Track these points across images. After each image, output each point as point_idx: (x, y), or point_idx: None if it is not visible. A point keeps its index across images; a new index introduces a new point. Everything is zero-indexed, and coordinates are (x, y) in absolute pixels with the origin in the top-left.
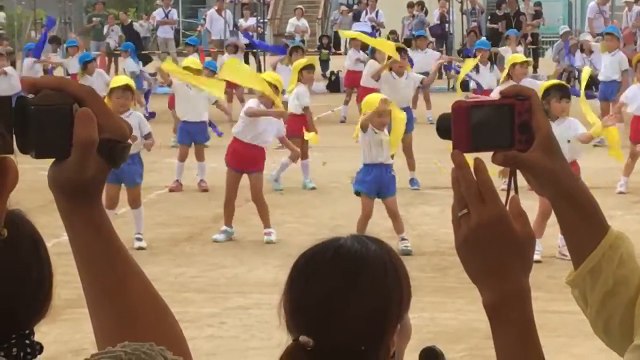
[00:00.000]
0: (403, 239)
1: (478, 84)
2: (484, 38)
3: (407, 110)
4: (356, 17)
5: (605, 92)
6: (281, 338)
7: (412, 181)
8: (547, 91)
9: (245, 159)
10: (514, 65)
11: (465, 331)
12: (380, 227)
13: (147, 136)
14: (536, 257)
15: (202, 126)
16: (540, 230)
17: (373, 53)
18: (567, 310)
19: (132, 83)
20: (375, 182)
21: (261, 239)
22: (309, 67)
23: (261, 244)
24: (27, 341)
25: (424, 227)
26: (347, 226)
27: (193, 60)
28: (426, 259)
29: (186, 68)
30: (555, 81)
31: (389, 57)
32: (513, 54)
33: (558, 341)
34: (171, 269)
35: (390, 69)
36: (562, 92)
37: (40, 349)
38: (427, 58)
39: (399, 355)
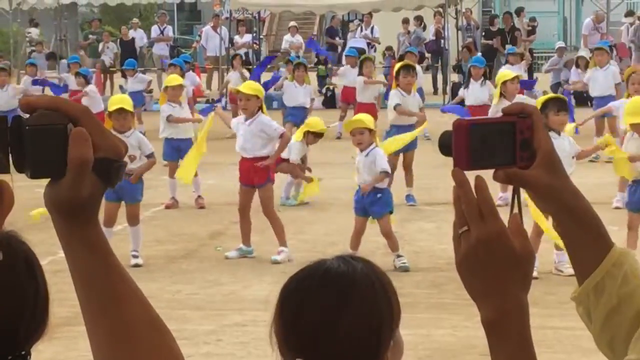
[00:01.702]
0: (399, 256)
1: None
2: (479, 54)
3: (412, 128)
4: (329, 33)
5: (600, 106)
6: (277, 357)
7: (408, 197)
8: (545, 104)
9: (249, 171)
10: (504, 82)
11: (461, 348)
12: (375, 244)
13: (149, 156)
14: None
15: (187, 142)
16: (535, 247)
17: (361, 69)
18: (564, 327)
19: (127, 104)
20: (359, 202)
21: (258, 255)
22: (319, 135)
23: (258, 261)
24: None
25: (420, 243)
26: (343, 242)
27: (173, 77)
28: (422, 275)
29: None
30: (553, 94)
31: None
32: (502, 72)
33: (555, 357)
34: (167, 286)
35: (398, 86)
36: (559, 104)
37: None
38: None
39: None
